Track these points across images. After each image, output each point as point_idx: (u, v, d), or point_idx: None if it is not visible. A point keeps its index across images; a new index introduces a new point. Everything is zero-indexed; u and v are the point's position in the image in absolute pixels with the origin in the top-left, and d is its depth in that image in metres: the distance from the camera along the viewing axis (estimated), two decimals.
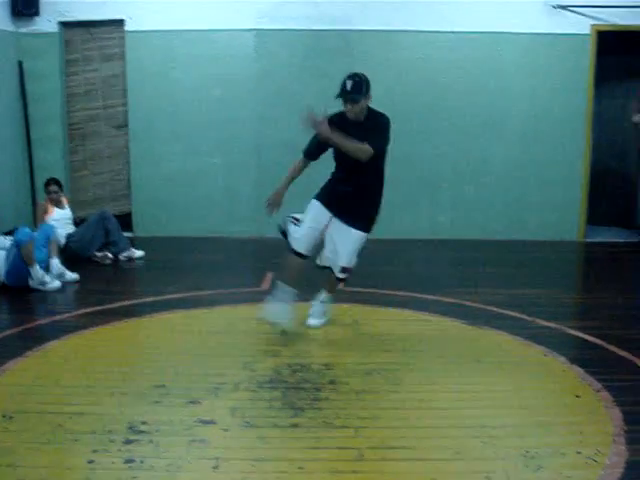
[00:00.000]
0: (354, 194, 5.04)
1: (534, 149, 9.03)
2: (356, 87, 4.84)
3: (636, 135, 8.45)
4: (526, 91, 8.95)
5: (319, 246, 5.23)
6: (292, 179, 5.35)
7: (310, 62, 8.88)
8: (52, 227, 7.09)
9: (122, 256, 7.85)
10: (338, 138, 4.78)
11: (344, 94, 4.86)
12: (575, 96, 8.91)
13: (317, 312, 5.49)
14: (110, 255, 7.77)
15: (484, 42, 8.85)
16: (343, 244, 5.12)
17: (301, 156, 5.28)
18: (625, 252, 8.72)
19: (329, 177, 5.27)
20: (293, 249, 5.17)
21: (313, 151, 5.20)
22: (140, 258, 7.91)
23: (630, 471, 3.24)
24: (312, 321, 5.45)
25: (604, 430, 3.66)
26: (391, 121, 5.04)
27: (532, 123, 9.00)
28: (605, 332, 5.28)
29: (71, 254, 7.66)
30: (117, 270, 7.64)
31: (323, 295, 5.50)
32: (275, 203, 5.33)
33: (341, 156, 4.98)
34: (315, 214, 5.16)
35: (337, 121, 4.94)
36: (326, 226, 5.13)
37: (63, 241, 7.80)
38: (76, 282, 6.90)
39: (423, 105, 8.91)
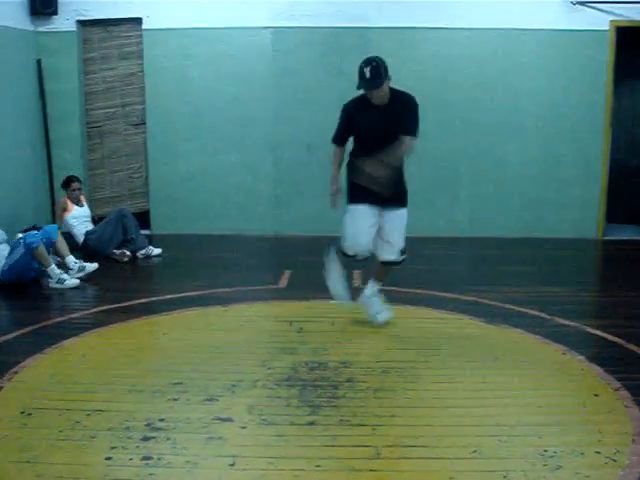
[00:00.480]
0: (388, 178, 4.88)
1: (553, 146, 8.98)
2: (376, 73, 4.78)
3: None
4: (545, 88, 8.89)
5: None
6: (339, 165, 5.27)
7: (326, 60, 8.87)
8: (55, 228, 7.05)
9: (140, 254, 7.88)
10: (387, 164, 4.82)
11: (366, 83, 4.81)
12: (594, 93, 8.85)
13: (378, 305, 5.43)
14: (128, 252, 7.80)
15: (502, 39, 8.80)
16: (398, 228, 5.16)
17: (334, 145, 5.25)
18: None
19: (348, 172, 5.20)
20: (346, 250, 5.22)
21: (343, 137, 5.18)
22: (158, 255, 7.94)
23: None
24: (382, 316, 5.40)
25: (623, 430, 3.63)
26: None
27: (551, 120, 8.94)
28: (624, 330, 5.24)
29: (90, 251, 7.71)
30: (135, 267, 7.67)
31: (374, 287, 5.42)
32: (337, 192, 5.26)
33: (371, 141, 4.95)
34: (363, 215, 5.08)
35: (359, 107, 4.98)
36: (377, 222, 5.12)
37: (82, 238, 7.85)
38: (95, 272, 6.94)
39: (440, 102, 8.87)
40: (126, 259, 7.75)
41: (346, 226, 5.15)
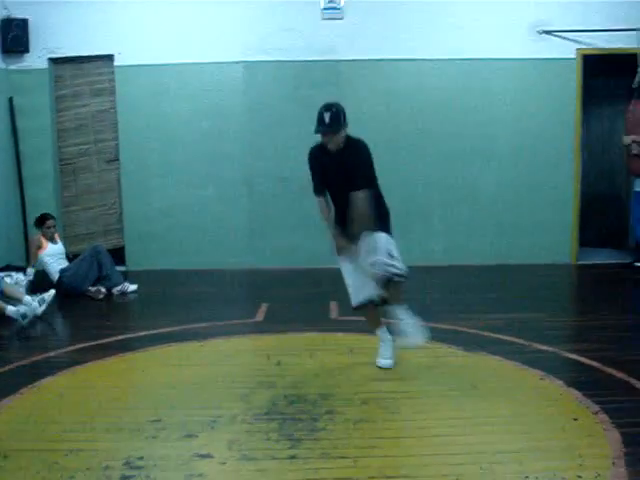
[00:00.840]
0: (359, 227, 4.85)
1: (525, 173, 9.08)
2: (335, 118, 4.77)
3: (625, 156, 8.50)
4: (515, 115, 9.01)
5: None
6: (330, 216, 5.07)
7: (299, 93, 8.92)
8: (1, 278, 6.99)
9: (116, 290, 7.83)
10: (354, 225, 4.82)
11: (324, 127, 4.78)
12: (564, 119, 8.98)
13: (388, 351, 5.18)
14: (103, 289, 7.75)
15: (472, 69, 8.92)
16: (378, 247, 4.83)
17: (316, 196, 5.10)
18: (618, 273, 8.71)
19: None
20: (358, 304, 5.07)
21: (321, 187, 5.07)
22: (134, 292, 7.88)
23: None
24: (384, 362, 5.14)
25: (603, 453, 3.64)
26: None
27: (522, 147, 9.05)
28: (601, 354, 5.27)
29: (65, 289, 7.65)
30: (110, 305, 7.61)
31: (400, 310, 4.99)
32: (345, 246, 4.97)
33: (330, 188, 5.01)
34: (348, 264, 5.01)
35: (318, 155, 4.98)
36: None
37: (56, 276, 7.79)
38: (70, 310, 6.88)
39: (412, 132, 8.96)
40: (101, 296, 7.70)
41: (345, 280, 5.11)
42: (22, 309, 6.57)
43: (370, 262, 4.86)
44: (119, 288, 7.84)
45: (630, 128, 8.35)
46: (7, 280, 7.13)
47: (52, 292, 6.98)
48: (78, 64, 9.10)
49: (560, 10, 8.84)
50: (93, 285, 7.76)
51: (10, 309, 6.55)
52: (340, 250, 4.98)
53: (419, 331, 4.91)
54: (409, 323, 4.93)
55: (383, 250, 4.84)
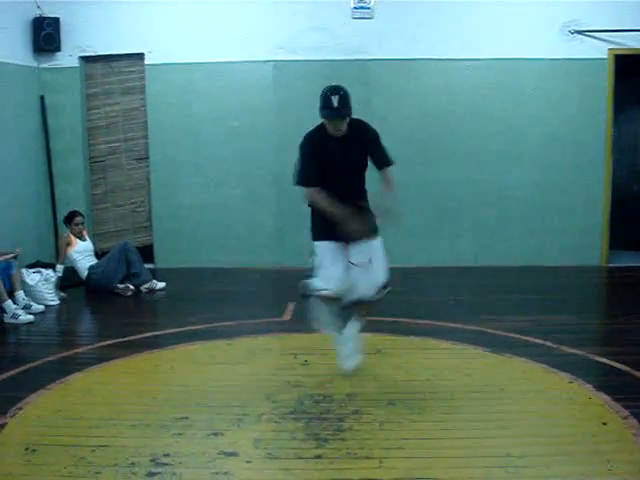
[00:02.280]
0: (355, 210, 4.62)
1: (554, 174, 9.00)
2: (344, 102, 4.55)
3: None
4: (545, 116, 8.94)
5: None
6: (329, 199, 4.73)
7: None
8: (11, 264, 6.99)
9: (144, 288, 7.88)
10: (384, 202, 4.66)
11: (332, 111, 4.56)
12: (594, 120, 8.89)
13: (351, 351, 4.94)
14: (132, 287, 7.80)
15: (502, 69, 8.87)
16: (375, 260, 4.69)
17: (309, 188, 4.87)
18: None
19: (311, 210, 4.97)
20: (323, 294, 4.75)
21: (316, 176, 4.82)
22: (162, 289, 7.93)
23: None
24: (349, 363, 4.93)
25: (632, 459, 3.60)
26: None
27: (552, 148, 8.97)
28: (631, 358, 5.21)
29: (93, 286, 7.71)
30: (139, 302, 7.66)
31: (353, 329, 4.91)
32: (360, 230, 4.65)
33: (330, 174, 4.71)
34: (332, 252, 4.81)
35: (318, 141, 4.77)
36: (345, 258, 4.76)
37: (85, 273, 7.85)
38: (99, 306, 6.91)
39: (441, 132, 8.92)
40: (129, 293, 7.75)
41: (316, 267, 4.83)
42: (19, 311, 6.59)
43: (359, 280, 4.70)
44: (147, 285, 7.89)
45: None
46: (36, 276, 7.20)
47: (40, 307, 6.95)
48: (109, 62, 9.17)
49: (592, 10, 8.75)
50: (121, 282, 7.81)
51: (9, 305, 6.57)
52: (353, 233, 4.57)
53: (353, 357, 4.86)
54: (350, 346, 4.87)
55: (384, 266, 4.71)
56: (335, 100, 4.52)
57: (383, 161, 4.73)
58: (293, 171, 4.84)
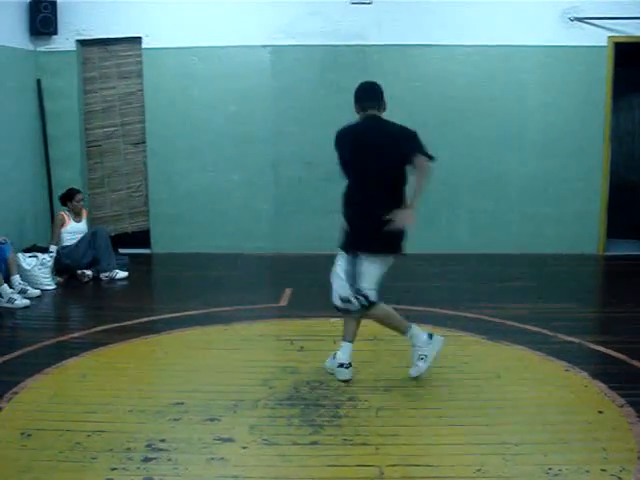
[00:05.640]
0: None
1: (552, 161, 8.98)
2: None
3: None
4: (543, 104, 8.91)
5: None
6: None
7: (326, 77, 8.89)
8: (8, 248, 6.98)
9: (103, 276, 7.78)
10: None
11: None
12: (593, 108, 8.86)
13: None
14: (87, 273, 7.70)
15: (501, 55, 8.83)
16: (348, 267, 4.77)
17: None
18: None
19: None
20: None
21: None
22: (122, 279, 7.83)
23: None
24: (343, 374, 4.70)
25: (628, 446, 3.60)
26: None
27: (550, 136, 8.95)
28: (627, 346, 5.21)
29: (61, 266, 7.63)
30: (135, 286, 7.65)
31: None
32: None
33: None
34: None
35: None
36: None
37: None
38: (95, 290, 6.88)
39: (440, 119, 8.89)
40: (85, 280, 7.66)
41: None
42: (15, 295, 6.58)
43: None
44: (107, 274, 7.78)
45: None
46: (32, 261, 7.18)
47: (37, 292, 6.94)
48: (106, 46, 9.11)
49: None
50: (88, 267, 7.76)
51: (4, 289, 6.57)
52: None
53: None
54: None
55: (355, 275, 4.65)
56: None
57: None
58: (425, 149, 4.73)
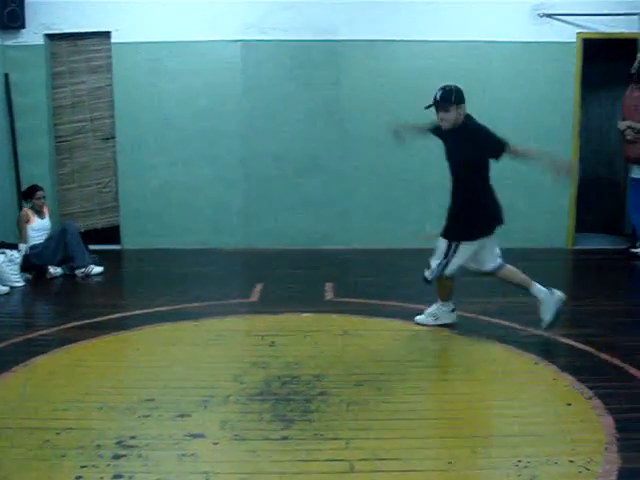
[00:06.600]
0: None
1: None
2: (445, 96, 5.13)
3: (622, 142, 8.46)
4: (513, 99, 8.96)
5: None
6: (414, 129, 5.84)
7: (297, 73, 8.89)
8: None
9: (79, 272, 7.71)
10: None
11: (434, 103, 5.18)
12: (562, 103, 8.94)
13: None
14: (52, 271, 7.61)
15: (471, 51, 8.87)
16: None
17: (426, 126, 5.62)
18: (614, 259, 8.72)
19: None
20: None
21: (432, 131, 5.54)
22: (98, 274, 7.78)
23: (623, 479, 3.22)
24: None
25: (596, 438, 3.64)
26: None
27: (519, 130, 8.95)
28: (595, 339, 5.27)
29: (30, 265, 7.56)
30: (106, 283, 7.59)
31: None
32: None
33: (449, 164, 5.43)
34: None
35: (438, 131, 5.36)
36: None
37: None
38: (64, 287, 6.82)
39: (410, 114, 8.77)
40: (49, 276, 7.58)
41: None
42: None
43: None
44: (82, 270, 7.72)
45: (626, 114, 8.30)
46: (1, 257, 7.11)
47: (6, 289, 6.87)
48: (75, 40, 9.03)
49: None
50: (58, 264, 7.69)
51: None
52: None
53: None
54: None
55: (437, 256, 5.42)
56: (439, 95, 5.19)
57: (496, 150, 5.28)
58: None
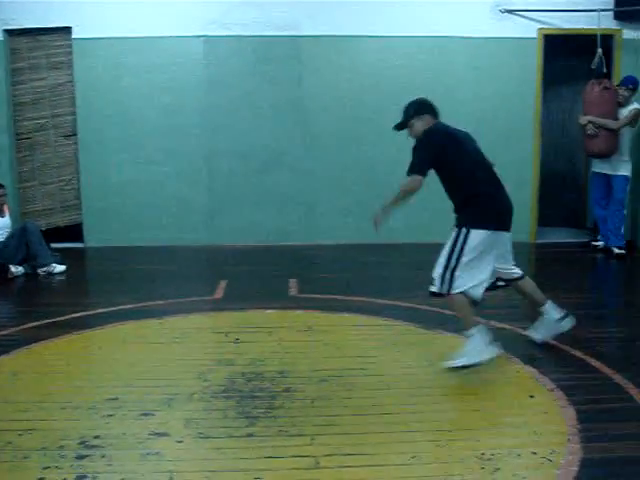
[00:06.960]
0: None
1: (484, 151, 9.04)
2: (404, 111, 5.25)
3: (583, 136, 8.56)
4: (475, 94, 9.02)
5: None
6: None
7: (259, 68, 8.86)
8: None
9: (41, 271, 7.62)
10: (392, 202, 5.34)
11: (434, 113, 5.36)
12: (524, 99, 9.01)
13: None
14: (13, 270, 7.50)
15: (433, 46, 8.91)
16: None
17: (418, 177, 5.25)
18: (575, 252, 8.82)
19: None
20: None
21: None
22: (61, 273, 7.69)
23: (585, 469, 3.27)
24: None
25: (559, 429, 3.69)
26: (433, 131, 5.32)
27: (482, 125, 8.98)
28: None
29: None
30: (68, 281, 7.51)
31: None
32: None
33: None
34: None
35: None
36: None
37: None
38: (24, 286, 6.74)
39: (374, 110, 8.92)
40: (10, 276, 7.47)
41: None
42: None
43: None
44: (45, 269, 7.64)
45: (587, 108, 8.39)
46: None
47: None
48: (35, 36, 8.90)
49: None
50: (20, 263, 7.61)
51: None
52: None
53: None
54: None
55: (443, 259, 5.20)
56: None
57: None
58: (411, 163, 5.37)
